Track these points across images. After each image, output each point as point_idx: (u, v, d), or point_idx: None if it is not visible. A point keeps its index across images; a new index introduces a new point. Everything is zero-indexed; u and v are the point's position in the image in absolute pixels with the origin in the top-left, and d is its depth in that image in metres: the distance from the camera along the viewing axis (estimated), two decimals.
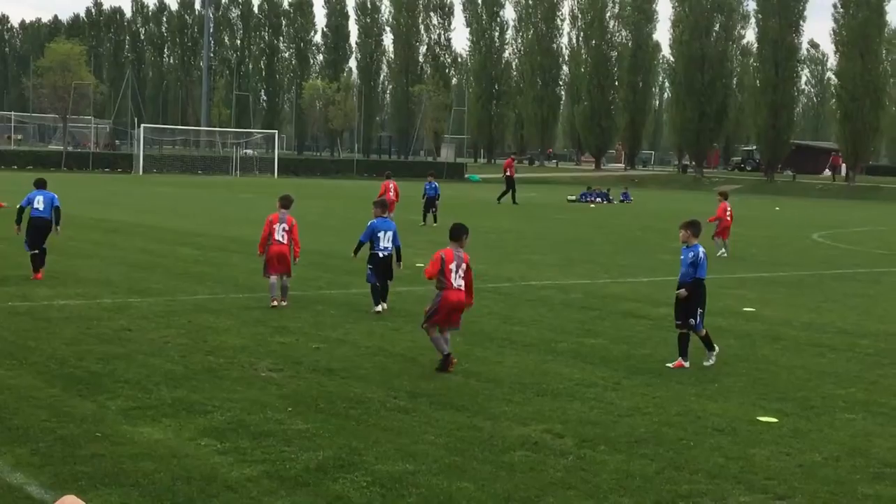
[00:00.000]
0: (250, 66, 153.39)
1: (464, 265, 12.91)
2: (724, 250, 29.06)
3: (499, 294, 19.79)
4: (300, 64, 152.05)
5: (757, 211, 59.39)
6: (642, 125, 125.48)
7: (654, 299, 19.78)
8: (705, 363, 13.61)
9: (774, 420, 10.96)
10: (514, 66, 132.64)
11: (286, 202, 17.53)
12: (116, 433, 9.60)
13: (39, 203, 19.66)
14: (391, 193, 35.43)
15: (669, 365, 13.53)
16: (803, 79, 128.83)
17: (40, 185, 20.24)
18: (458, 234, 13.12)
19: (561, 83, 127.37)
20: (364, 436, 9.80)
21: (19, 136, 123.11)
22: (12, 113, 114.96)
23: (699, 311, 13.62)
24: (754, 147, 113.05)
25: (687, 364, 13.51)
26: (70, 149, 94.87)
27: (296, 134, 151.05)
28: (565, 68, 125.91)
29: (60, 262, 21.74)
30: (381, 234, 16.83)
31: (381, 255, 16.84)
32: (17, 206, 20.13)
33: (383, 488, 8.39)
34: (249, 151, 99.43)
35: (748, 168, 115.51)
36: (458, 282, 12.83)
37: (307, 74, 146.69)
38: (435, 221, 36.76)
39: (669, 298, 19.85)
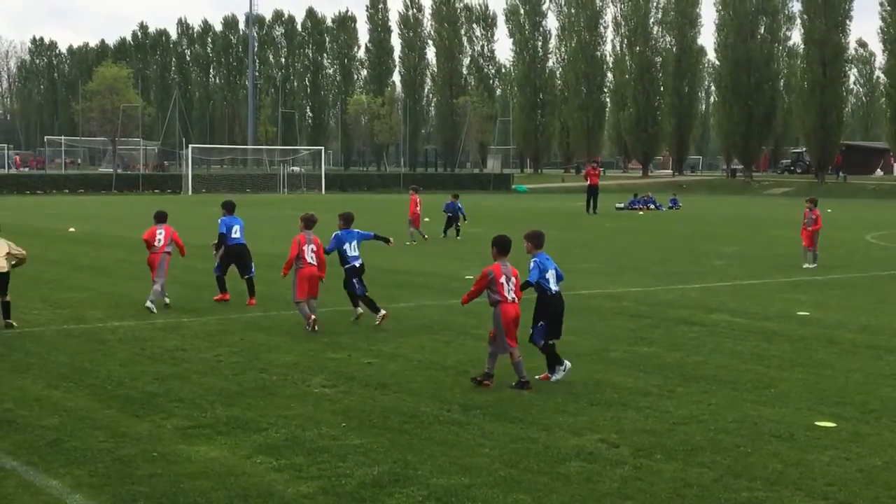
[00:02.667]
0: (295, 84, 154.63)
1: (513, 279, 12.63)
2: (809, 263, 26.90)
3: None
4: (344, 79, 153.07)
5: None
6: (689, 130, 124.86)
7: (706, 306, 19.63)
8: (537, 376, 12.71)
9: (833, 425, 10.81)
10: (558, 75, 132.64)
11: (310, 222, 17.05)
12: (173, 452, 9.65)
13: (237, 231, 19.61)
14: (418, 208, 35.27)
15: (537, 377, 12.82)
16: (851, 78, 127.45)
17: (230, 208, 19.99)
18: (508, 247, 12.79)
19: (606, 90, 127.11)
20: (418, 450, 9.78)
21: (79, 161, 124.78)
22: (62, 137, 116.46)
23: (539, 322, 12.82)
24: (803, 149, 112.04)
25: (568, 364, 12.88)
26: (120, 171, 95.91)
27: (342, 149, 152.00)
28: (610, 75, 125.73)
29: (113, 284, 21.97)
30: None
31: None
32: (219, 234, 19.57)
33: (439, 502, 8.37)
34: (296, 168, 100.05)
35: (798, 170, 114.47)
36: (511, 295, 12.53)
37: (351, 90, 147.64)
38: (458, 235, 36.36)
39: (722, 304, 19.77)
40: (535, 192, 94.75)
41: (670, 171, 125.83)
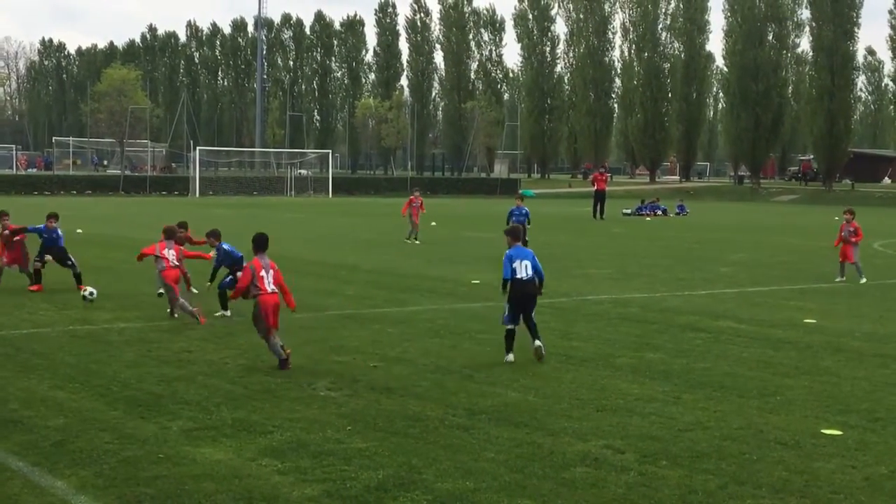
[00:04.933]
0: (303, 87, 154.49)
1: (272, 271, 13.95)
2: (841, 276, 25.72)
3: (555, 309, 19.71)
4: (352, 83, 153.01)
5: (816, 221, 58.71)
6: (696, 136, 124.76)
7: (712, 312, 19.61)
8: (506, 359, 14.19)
9: (839, 433, 10.79)
10: (566, 81, 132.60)
11: (171, 233, 18.44)
12: (178, 454, 9.66)
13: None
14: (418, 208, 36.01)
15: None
16: (859, 86, 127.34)
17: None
18: (265, 244, 14.21)
19: (613, 96, 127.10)
20: (423, 454, 9.78)
21: (105, 162, 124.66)
22: (70, 139, 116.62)
23: (506, 306, 14.40)
24: (811, 156, 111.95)
25: (510, 358, 14.20)
26: (127, 173, 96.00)
27: (349, 153, 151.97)
28: (618, 81, 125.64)
29: (119, 286, 22.01)
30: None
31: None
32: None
33: None
34: (304, 171, 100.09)
35: (806, 178, 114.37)
36: (271, 287, 13.85)
37: (359, 93, 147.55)
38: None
39: (729, 311, 19.75)
40: (543, 197, 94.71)
41: (677, 178, 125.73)
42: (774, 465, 9.61)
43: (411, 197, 36.88)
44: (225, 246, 18.96)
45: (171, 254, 17.78)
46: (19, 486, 8.70)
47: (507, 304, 14.41)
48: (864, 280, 25.52)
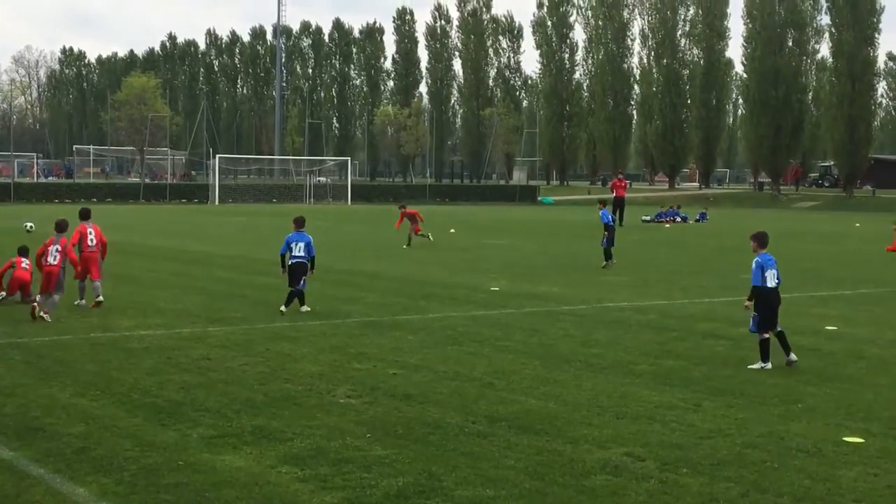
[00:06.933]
0: (322, 94, 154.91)
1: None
2: None
3: (575, 317, 19.68)
4: (371, 90, 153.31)
5: (837, 227, 58.47)
6: (716, 143, 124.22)
7: (733, 319, 19.52)
8: (749, 366, 14.56)
9: (861, 440, 10.73)
10: (584, 87, 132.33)
11: (62, 226, 19.33)
12: (198, 461, 9.68)
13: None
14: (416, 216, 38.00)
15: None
16: (880, 91, 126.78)
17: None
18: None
19: (632, 103, 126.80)
20: (443, 461, 9.77)
21: (136, 170, 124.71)
22: (91, 147, 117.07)
23: (753, 315, 14.67)
24: (832, 163, 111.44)
25: (768, 366, 14.46)
26: (147, 181, 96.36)
27: (368, 160, 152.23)
28: (637, 88, 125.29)
29: (140, 294, 22.07)
30: None
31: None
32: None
33: None
34: (323, 179, 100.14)
35: (826, 184, 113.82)
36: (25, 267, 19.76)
37: (378, 101, 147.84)
38: None
39: (749, 318, 19.62)
40: (561, 204, 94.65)
41: (697, 184, 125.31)
42: (796, 472, 9.56)
43: (401, 212, 37.84)
44: (300, 236, 19.86)
45: (56, 249, 19.01)
46: (41, 494, 8.74)
47: (755, 312, 14.60)
48: None
